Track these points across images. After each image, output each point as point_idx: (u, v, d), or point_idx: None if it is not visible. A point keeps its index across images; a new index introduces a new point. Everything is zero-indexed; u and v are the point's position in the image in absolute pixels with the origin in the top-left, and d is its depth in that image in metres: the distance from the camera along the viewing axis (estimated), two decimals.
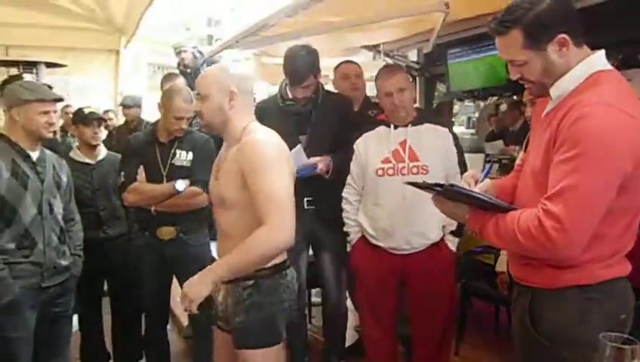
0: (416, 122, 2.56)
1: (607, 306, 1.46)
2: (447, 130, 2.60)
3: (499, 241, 1.51)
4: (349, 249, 2.71)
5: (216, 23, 15.98)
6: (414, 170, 2.49)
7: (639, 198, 1.43)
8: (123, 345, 3.24)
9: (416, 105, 4.29)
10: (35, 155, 2.40)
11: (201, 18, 15.88)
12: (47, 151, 2.52)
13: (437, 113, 5.06)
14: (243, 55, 6.47)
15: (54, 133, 2.80)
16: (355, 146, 2.64)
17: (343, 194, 2.70)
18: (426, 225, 2.49)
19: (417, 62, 5.13)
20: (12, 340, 2.29)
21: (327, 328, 3.07)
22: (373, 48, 4.91)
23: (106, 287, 3.26)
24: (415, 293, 2.61)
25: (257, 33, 3.98)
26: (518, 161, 1.84)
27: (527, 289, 1.57)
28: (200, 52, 5.59)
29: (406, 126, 2.55)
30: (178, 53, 5.46)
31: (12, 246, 2.28)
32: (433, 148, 2.52)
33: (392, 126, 2.57)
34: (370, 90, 3.25)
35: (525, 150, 1.78)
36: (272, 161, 1.72)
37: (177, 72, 5.14)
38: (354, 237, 2.67)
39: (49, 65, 4.17)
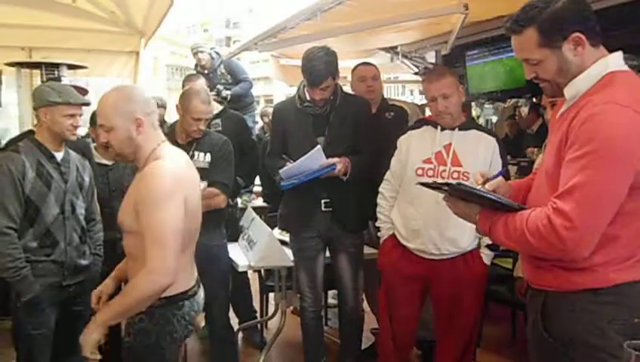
0: (463, 127, 2.49)
1: (621, 310, 1.44)
2: (494, 139, 2.51)
3: (508, 241, 1.50)
4: (381, 242, 2.66)
5: (235, 25, 16.09)
6: (455, 175, 2.41)
7: None
8: None
9: None
10: (59, 156, 2.43)
11: (220, 20, 16.00)
12: (72, 152, 2.55)
13: None
14: (261, 57, 6.50)
15: None
16: (397, 142, 2.61)
17: (380, 188, 2.67)
18: (457, 232, 2.41)
19: (435, 64, 5.11)
20: (33, 337, 2.33)
21: (344, 330, 3.07)
22: (391, 50, 4.91)
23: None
24: (439, 301, 2.56)
25: (276, 35, 4.00)
26: (535, 165, 1.83)
27: (540, 291, 1.56)
28: (217, 53, 5.59)
29: (453, 129, 2.49)
30: (195, 54, 5.45)
31: (34, 244, 2.32)
32: (478, 155, 2.44)
33: (438, 127, 2.51)
34: (388, 92, 3.24)
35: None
36: (165, 195, 1.67)
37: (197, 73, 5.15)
38: (385, 233, 2.64)
39: (71, 67, 4.22)
